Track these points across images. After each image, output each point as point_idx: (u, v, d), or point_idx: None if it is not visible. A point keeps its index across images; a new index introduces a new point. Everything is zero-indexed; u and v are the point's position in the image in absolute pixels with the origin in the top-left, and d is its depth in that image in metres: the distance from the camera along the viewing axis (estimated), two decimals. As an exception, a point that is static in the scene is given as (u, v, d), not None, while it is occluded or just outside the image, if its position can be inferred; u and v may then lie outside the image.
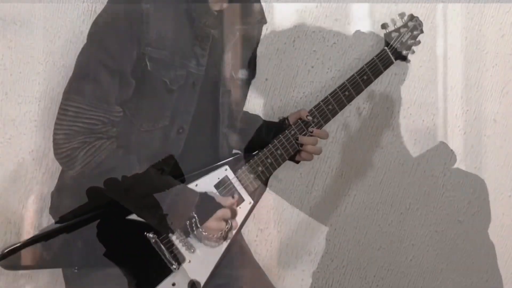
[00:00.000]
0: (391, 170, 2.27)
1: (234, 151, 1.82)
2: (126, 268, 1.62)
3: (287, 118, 1.86)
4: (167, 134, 1.62)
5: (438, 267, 2.40)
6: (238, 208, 1.73)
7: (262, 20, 1.78)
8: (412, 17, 1.88)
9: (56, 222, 1.71)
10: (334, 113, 1.81)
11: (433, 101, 2.22)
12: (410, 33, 1.88)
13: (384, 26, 1.88)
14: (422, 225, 2.35)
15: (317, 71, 2.10)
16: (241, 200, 1.73)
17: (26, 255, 1.60)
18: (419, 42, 1.92)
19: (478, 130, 2.29)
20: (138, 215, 1.60)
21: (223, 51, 1.68)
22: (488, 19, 2.18)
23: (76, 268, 1.63)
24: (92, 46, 1.58)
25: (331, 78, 2.10)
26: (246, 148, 1.84)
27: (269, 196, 2.16)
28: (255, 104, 2.07)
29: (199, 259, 1.67)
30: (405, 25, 1.87)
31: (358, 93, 1.82)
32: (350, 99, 1.82)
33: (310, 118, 1.78)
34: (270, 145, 1.76)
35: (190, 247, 1.65)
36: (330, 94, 1.80)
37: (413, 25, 1.88)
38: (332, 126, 2.14)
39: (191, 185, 1.66)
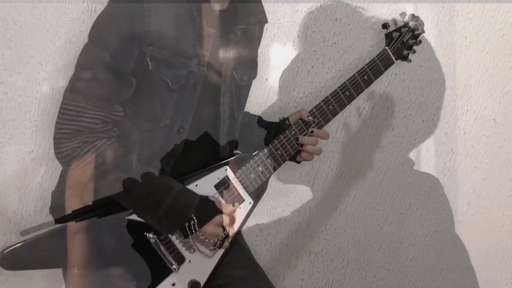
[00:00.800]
0: (391, 170, 2.27)
1: (235, 151, 1.82)
2: (126, 268, 1.62)
3: (287, 118, 1.86)
4: (167, 133, 1.62)
5: (438, 267, 2.40)
6: (238, 208, 1.73)
7: (263, 20, 1.78)
8: (413, 17, 1.88)
9: (56, 222, 1.71)
10: (334, 113, 1.81)
11: (433, 101, 2.22)
12: (411, 33, 1.88)
13: (385, 26, 1.88)
14: (422, 225, 2.35)
15: (317, 71, 2.10)
16: (241, 200, 1.73)
17: (26, 255, 1.60)
18: (420, 42, 1.91)
19: (478, 130, 2.29)
20: (138, 215, 1.60)
21: (224, 51, 1.68)
22: (488, 19, 2.18)
23: (76, 268, 1.63)
24: (93, 45, 1.58)
25: (331, 78, 2.10)
26: (246, 148, 1.84)
27: (269, 196, 2.16)
28: (255, 104, 2.07)
29: (199, 259, 1.67)
30: (406, 25, 1.87)
31: (358, 93, 1.82)
32: (350, 99, 1.82)
33: (311, 118, 1.78)
34: (270, 145, 1.76)
35: (190, 247, 1.65)
36: (330, 94, 1.80)
37: (414, 25, 1.88)
38: (332, 126, 2.14)
39: (191, 185, 1.66)
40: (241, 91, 1.78)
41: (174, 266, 1.63)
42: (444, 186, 2.33)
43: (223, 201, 1.69)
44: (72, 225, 1.60)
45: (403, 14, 1.87)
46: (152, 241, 1.61)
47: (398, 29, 1.87)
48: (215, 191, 1.69)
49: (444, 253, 2.39)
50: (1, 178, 1.86)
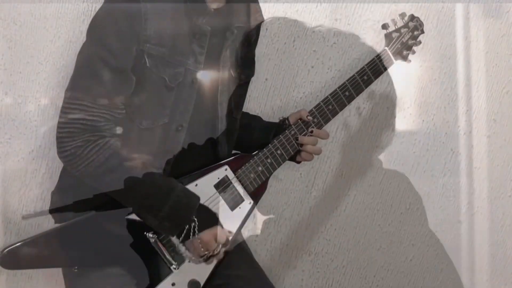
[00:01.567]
0: (391, 170, 2.26)
1: (234, 151, 1.82)
2: (126, 268, 1.63)
3: (287, 119, 1.86)
4: (166, 132, 1.62)
5: (438, 267, 2.40)
6: (238, 208, 1.73)
7: (259, 18, 1.78)
8: (412, 17, 1.88)
9: (56, 222, 1.71)
10: (334, 113, 1.81)
11: (433, 101, 2.22)
12: (410, 33, 1.88)
13: (384, 26, 1.88)
14: (422, 225, 2.35)
15: (317, 71, 2.10)
16: (240, 200, 1.73)
17: (26, 255, 1.60)
18: (420, 42, 1.91)
19: (478, 130, 2.29)
20: (139, 216, 1.59)
21: (221, 49, 1.68)
22: (488, 19, 2.18)
23: (76, 268, 1.63)
24: (91, 43, 1.58)
25: (331, 78, 2.10)
26: (246, 148, 1.84)
27: (269, 196, 2.16)
28: (255, 104, 2.07)
29: (199, 259, 1.67)
30: (405, 25, 1.87)
31: (358, 93, 1.82)
32: (350, 99, 1.82)
33: (310, 118, 1.78)
34: (270, 145, 1.76)
35: (180, 251, 1.65)
36: (330, 94, 1.80)
37: (414, 26, 1.88)
38: (332, 126, 2.14)
39: (191, 185, 1.66)
40: (239, 89, 1.78)
41: (173, 266, 1.63)
42: (444, 186, 2.33)
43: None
44: (72, 224, 1.61)
45: (402, 15, 1.87)
46: (152, 240, 1.61)
47: (397, 30, 1.87)
48: (214, 190, 1.69)
49: (444, 253, 2.38)
50: (1, 178, 1.86)
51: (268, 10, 1.91)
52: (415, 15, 1.90)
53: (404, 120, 2.22)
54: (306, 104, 2.07)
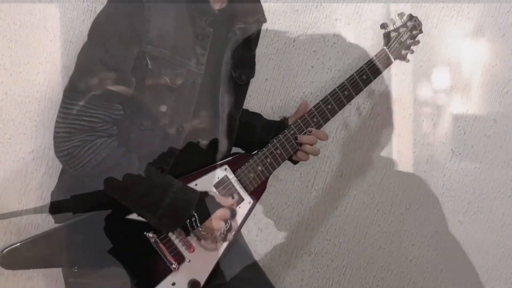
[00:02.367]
0: (391, 170, 2.27)
1: (233, 150, 1.82)
2: (126, 268, 1.63)
3: (287, 119, 1.87)
4: (167, 133, 1.62)
5: (438, 267, 2.40)
6: (238, 208, 1.73)
7: (262, 19, 1.78)
8: (411, 17, 1.88)
9: (56, 222, 1.71)
10: (333, 113, 1.81)
11: (433, 101, 2.22)
12: (409, 33, 1.88)
13: (383, 26, 1.88)
14: (422, 225, 2.35)
15: (317, 71, 2.10)
16: (240, 199, 1.73)
17: (26, 255, 1.60)
18: (418, 42, 1.91)
19: (478, 130, 2.29)
20: (138, 214, 1.60)
21: (223, 50, 1.68)
22: (488, 19, 2.18)
23: (76, 268, 1.63)
24: (92, 44, 1.58)
25: (331, 78, 2.10)
26: (246, 145, 1.84)
27: (269, 196, 2.16)
28: (255, 104, 2.07)
29: (199, 259, 1.67)
30: (404, 25, 1.87)
31: (357, 93, 1.82)
32: (349, 98, 1.81)
33: (310, 129, 1.79)
34: (269, 145, 1.76)
35: (190, 247, 1.65)
36: (329, 94, 1.80)
37: (412, 25, 1.88)
38: (332, 126, 2.14)
39: (191, 185, 1.66)
40: (240, 90, 1.78)
41: (174, 266, 1.63)
42: (444, 186, 2.33)
43: (221, 197, 1.69)
44: (72, 224, 1.61)
45: (401, 14, 1.87)
46: (152, 240, 1.61)
47: (396, 29, 1.87)
48: (214, 190, 1.69)
49: (444, 253, 2.39)
50: (1, 178, 1.87)
51: (268, 10, 1.91)
52: (415, 15, 1.90)
53: (404, 120, 2.22)
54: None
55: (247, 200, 1.74)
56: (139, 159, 1.59)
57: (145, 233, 1.61)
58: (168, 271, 1.64)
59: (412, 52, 1.91)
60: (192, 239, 1.65)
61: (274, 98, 2.09)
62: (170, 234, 1.63)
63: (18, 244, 1.59)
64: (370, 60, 1.83)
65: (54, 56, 1.82)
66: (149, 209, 1.58)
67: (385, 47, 1.86)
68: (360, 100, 2.15)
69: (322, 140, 1.82)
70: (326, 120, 1.80)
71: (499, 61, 2.23)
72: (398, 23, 1.87)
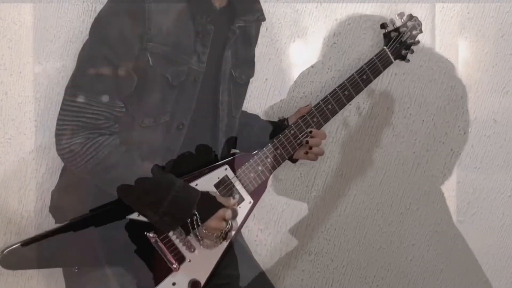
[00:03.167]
0: (391, 170, 2.27)
1: (233, 150, 1.82)
2: (126, 268, 1.63)
3: (286, 120, 1.87)
4: (167, 130, 1.62)
5: (438, 267, 2.40)
6: (238, 207, 1.73)
7: (261, 18, 1.79)
8: (411, 17, 1.89)
9: (56, 222, 1.71)
10: (333, 113, 1.81)
11: (433, 101, 2.22)
12: (409, 33, 1.88)
13: (383, 26, 1.88)
14: (422, 225, 2.35)
15: (317, 71, 2.10)
16: (241, 199, 1.73)
17: (26, 255, 1.60)
18: (418, 42, 1.92)
19: (478, 130, 2.29)
20: (139, 212, 1.60)
21: (223, 49, 1.69)
22: (488, 19, 2.18)
23: (76, 267, 1.63)
24: (94, 41, 1.58)
25: (331, 78, 2.10)
26: (246, 147, 1.84)
27: (269, 196, 2.16)
28: (255, 104, 2.07)
29: (199, 258, 1.67)
30: (404, 25, 1.88)
31: (357, 93, 1.82)
32: (349, 98, 1.82)
33: (310, 130, 1.79)
34: (270, 145, 1.76)
35: (190, 247, 1.65)
36: (329, 94, 1.80)
37: (412, 25, 1.89)
38: (332, 126, 2.14)
39: (191, 184, 1.66)
40: (239, 89, 1.78)
41: (174, 266, 1.63)
42: (444, 186, 2.33)
43: (222, 197, 1.69)
44: (72, 224, 1.61)
45: (401, 14, 1.88)
46: (152, 240, 1.61)
47: (396, 29, 1.87)
48: (215, 190, 1.69)
49: (444, 253, 2.39)
50: (1, 178, 1.86)
51: (268, 10, 1.91)
52: (415, 15, 1.90)
53: (404, 120, 2.22)
54: (306, 104, 2.07)
55: (247, 200, 1.74)
56: (140, 156, 1.60)
57: (145, 233, 1.61)
58: (168, 271, 1.64)
59: (412, 52, 1.91)
60: (192, 239, 1.65)
61: (274, 98, 2.09)
62: (170, 234, 1.63)
63: (18, 244, 1.59)
64: (370, 60, 1.84)
65: (54, 56, 1.82)
66: (150, 207, 1.58)
67: (385, 47, 1.86)
68: (360, 100, 2.15)
69: (321, 139, 1.82)
70: (326, 120, 1.81)
71: (499, 61, 2.22)
72: (398, 23, 1.88)
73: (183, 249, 1.65)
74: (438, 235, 2.37)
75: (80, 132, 1.52)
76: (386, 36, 1.88)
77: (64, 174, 1.72)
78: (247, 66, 1.81)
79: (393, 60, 1.87)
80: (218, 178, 1.71)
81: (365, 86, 1.83)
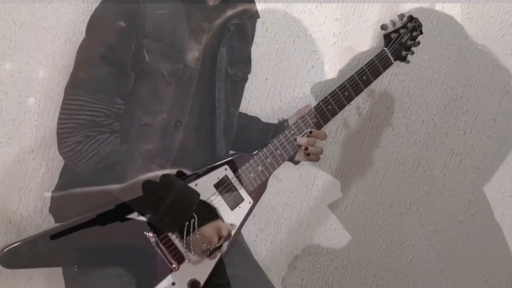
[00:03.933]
0: (391, 170, 2.27)
1: (231, 152, 1.82)
2: (126, 268, 1.63)
3: (286, 120, 1.87)
4: (165, 127, 1.63)
5: (438, 267, 2.40)
6: (238, 208, 1.73)
7: (255, 15, 1.79)
8: (411, 18, 1.88)
9: (56, 222, 1.71)
10: (333, 113, 1.81)
11: (433, 101, 2.22)
12: (409, 34, 1.88)
13: (383, 27, 1.88)
14: (422, 225, 2.35)
15: (317, 71, 2.10)
16: (241, 199, 1.73)
17: (26, 255, 1.60)
18: (419, 43, 1.92)
19: (478, 130, 2.29)
20: (140, 212, 1.60)
21: (218, 46, 1.69)
22: (488, 19, 2.18)
23: (76, 267, 1.63)
24: (90, 39, 1.58)
25: (331, 78, 2.10)
26: (244, 149, 1.84)
27: (269, 196, 2.16)
28: (255, 104, 2.07)
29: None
30: (404, 26, 1.87)
31: (357, 94, 1.82)
32: (349, 99, 1.82)
33: (310, 130, 1.79)
34: (269, 145, 1.76)
35: (190, 247, 1.65)
36: (329, 94, 1.80)
37: (413, 26, 1.88)
38: (332, 126, 2.14)
39: (191, 184, 1.66)
40: (236, 86, 1.79)
41: (174, 266, 1.63)
42: (444, 186, 2.33)
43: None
44: (72, 224, 1.61)
45: (401, 16, 1.88)
46: (152, 240, 1.61)
47: (396, 30, 1.87)
48: (214, 190, 1.69)
49: (444, 253, 2.39)
50: (1, 178, 1.87)
51: (268, 10, 1.91)
52: (415, 15, 1.90)
53: (404, 120, 2.22)
54: (306, 104, 2.07)
55: (247, 200, 1.74)
56: (140, 155, 1.60)
57: (145, 232, 1.61)
58: (168, 271, 1.64)
59: (412, 53, 1.91)
60: (182, 248, 1.64)
61: (274, 98, 2.09)
62: (170, 234, 1.63)
63: (18, 243, 1.58)
64: (371, 61, 1.84)
65: (54, 56, 1.82)
66: (151, 207, 1.58)
67: (385, 48, 1.86)
68: (360, 100, 2.15)
69: (321, 140, 1.82)
70: (326, 120, 1.81)
71: (499, 61, 2.22)
72: (399, 24, 1.88)
73: (182, 249, 1.65)
74: (438, 235, 2.37)
75: (81, 130, 1.53)
76: (386, 37, 1.88)
77: (64, 174, 1.72)
78: (243, 63, 1.81)
79: (393, 61, 1.87)
80: (218, 178, 1.71)
81: (365, 87, 1.83)
